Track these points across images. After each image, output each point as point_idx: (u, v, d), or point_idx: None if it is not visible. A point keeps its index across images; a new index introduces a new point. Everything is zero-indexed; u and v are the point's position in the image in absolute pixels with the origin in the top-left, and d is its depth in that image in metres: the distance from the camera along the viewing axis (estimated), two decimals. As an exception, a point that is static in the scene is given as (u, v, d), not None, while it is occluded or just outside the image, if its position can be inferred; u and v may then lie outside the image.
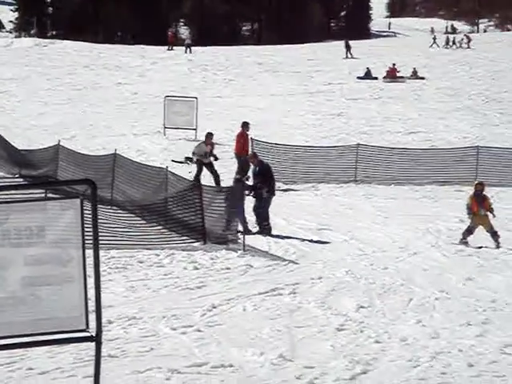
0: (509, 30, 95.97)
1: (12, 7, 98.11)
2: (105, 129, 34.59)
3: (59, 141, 24.87)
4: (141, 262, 13.96)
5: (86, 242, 6.55)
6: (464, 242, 16.26)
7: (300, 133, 33.98)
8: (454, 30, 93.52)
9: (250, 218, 17.14)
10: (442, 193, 24.00)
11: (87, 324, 6.58)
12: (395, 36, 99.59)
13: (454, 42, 66.11)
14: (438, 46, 66.11)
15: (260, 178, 17.42)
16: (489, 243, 16.48)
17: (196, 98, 33.63)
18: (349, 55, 60.39)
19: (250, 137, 24.62)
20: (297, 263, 14.37)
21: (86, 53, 61.36)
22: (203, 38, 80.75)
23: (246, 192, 17.21)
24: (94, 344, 6.66)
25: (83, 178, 18.07)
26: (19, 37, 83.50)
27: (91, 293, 6.53)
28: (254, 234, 16.66)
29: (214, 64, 56.83)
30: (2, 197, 6.58)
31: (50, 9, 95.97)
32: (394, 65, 51.49)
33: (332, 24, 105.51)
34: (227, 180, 21.41)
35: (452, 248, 16.11)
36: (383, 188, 24.54)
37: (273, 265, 14.09)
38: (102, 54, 61.41)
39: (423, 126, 36.40)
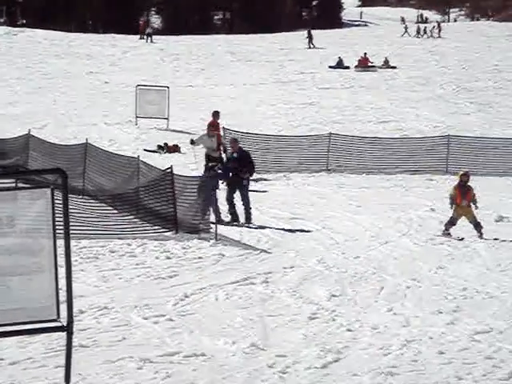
0: (479, 20, 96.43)
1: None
2: (76, 118, 34.40)
3: (29, 130, 24.73)
4: (112, 252, 13.93)
5: (57, 231, 6.52)
6: (447, 233, 16.19)
7: (272, 122, 34.00)
8: (425, 20, 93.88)
9: (223, 207, 17.15)
10: (413, 182, 24.13)
11: (58, 314, 6.56)
12: (367, 25, 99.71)
13: (425, 32, 66.35)
14: (409, 35, 66.32)
15: (237, 162, 17.37)
16: (464, 234, 16.36)
17: (168, 87, 33.57)
18: (311, 45, 60.43)
19: (221, 126, 24.57)
20: (269, 252, 14.39)
21: (57, 42, 60.90)
22: (175, 26, 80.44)
23: (220, 181, 17.20)
24: (65, 334, 6.65)
25: (54, 167, 17.96)
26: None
27: (62, 283, 6.51)
28: (227, 223, 16.66)
29: (186, 53, 56.68)
30: (-28, 187, 6.54)
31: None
32: (365, 54, 51.65)
33: (304, 13, 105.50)
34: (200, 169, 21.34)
35: (423, 237, 16.17)
36: (355, 177, 24.63)
37: (245, 254, 14.11)
38: (72, 42, 60.98)
39: (394, 114, 36.55)
